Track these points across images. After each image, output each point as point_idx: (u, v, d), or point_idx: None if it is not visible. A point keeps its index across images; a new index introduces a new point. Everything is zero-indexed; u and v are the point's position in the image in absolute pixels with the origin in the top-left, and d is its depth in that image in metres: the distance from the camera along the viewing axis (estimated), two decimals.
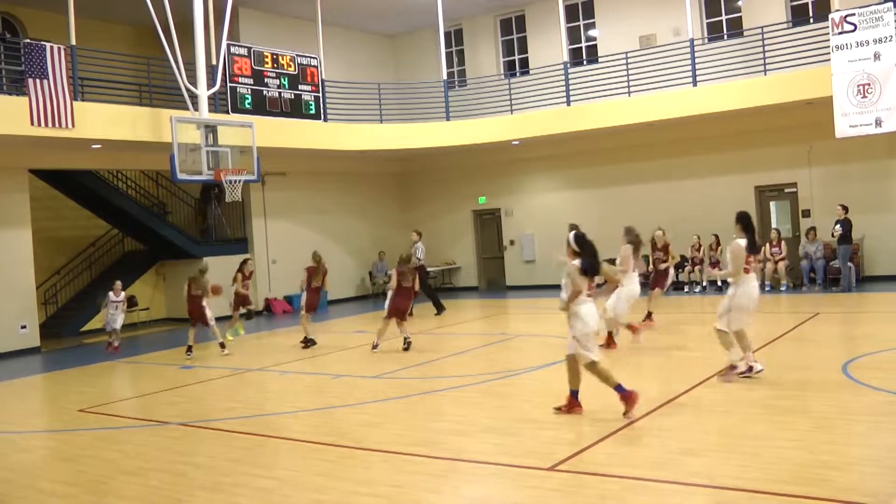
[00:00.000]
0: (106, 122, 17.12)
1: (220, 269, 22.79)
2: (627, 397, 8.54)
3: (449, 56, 26.30)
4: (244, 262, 18.44)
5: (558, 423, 8.67)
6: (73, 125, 16.31)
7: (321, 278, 16.30)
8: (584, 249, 8.78)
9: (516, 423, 8.95)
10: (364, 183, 27.09)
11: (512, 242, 26.45)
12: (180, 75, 17.80)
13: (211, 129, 17.87)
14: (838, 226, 19.38)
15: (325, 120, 21.93)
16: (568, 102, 22.34)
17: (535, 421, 8.90)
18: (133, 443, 9.20)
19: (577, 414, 8.82)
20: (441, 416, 9.55)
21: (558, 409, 8.93)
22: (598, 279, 9.33)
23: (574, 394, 8.92)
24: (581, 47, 25.21)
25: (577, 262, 8.72)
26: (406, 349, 14.30)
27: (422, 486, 6.92)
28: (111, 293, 17.37)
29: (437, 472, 7.30)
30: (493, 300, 23.93)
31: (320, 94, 21.57)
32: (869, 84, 17.78)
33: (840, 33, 18.01)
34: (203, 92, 18.11)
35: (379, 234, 27.10)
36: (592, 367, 8.74)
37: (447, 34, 25.32)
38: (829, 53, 18.35)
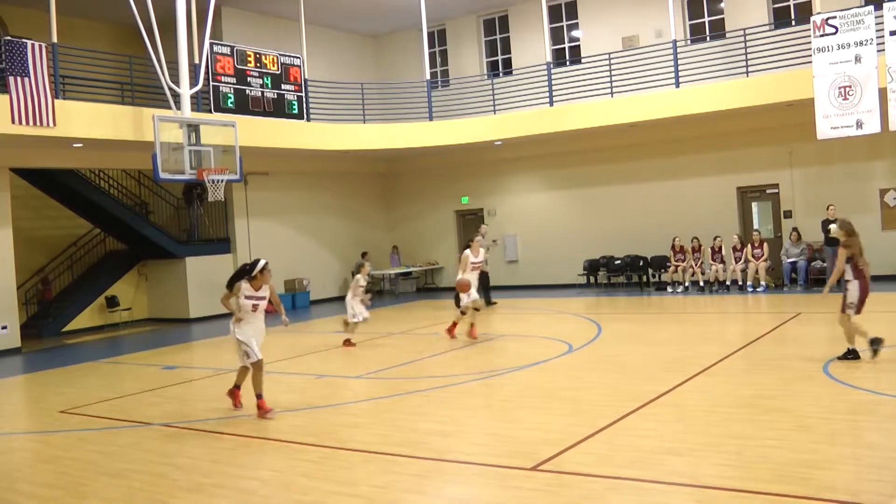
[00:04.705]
0: (88, 121, 17.01)
1: (200, 269, 22.87)
2: None
3: (432, 56, 26.30)
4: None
5: (541, 424, 8.68)
6: (55, 123, 16.21)
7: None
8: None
9: (499, 423, 8.96)
10: (347, 183, 27.05)
11: (495, 242, 26.45)
12: (163, 74, 17.74)
13: (193, 128, 17.80)
14: (836, 225, 19.41)
15: (308, 120, 21.88)
16: (551, 103, 22.37)
17: (518, 421, 8.91)
18: (114, 444, 9.14)
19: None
20: (424, 416, 9.54)
21: None
22: None
23: None
24: (564, 48, 25.26)
25: None
26: None
27: (404, 487, 6.91)
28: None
29: (419, 473, 7.29)
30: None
31: (303, 94, 21.52)
32: (850, 86, 17.88)
33: (821, 36, 18.11)
34: (186, 91, 18.04)
35: (362, 233, 27.11)
36: None
37: (430, 34, 25.31)
38: (810, 55, 18.45)
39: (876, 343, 10.63)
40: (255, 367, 9.92)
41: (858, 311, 10.75)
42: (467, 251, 15.39)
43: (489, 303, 20.58)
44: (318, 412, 9.82)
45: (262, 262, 10.04)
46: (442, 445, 8.10)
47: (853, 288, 10.83)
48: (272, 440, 8.84)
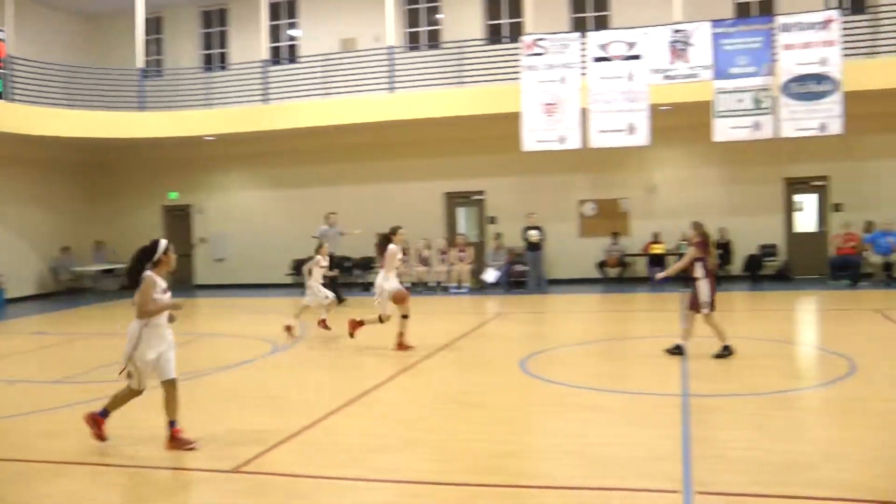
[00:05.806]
0: None
1: None
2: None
3: (148, 44, 25.19)
4: None
5: (243, 424, 8.59)
6: None
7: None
8: None
9: (200, 424, 8.71)
10: (50, 172, 25.13)
11: (202, 240, 25.80)
12: None
13: None
14: (536, 231, 20.66)
15: (11, 100, 20.28)
16: (265, 100, 22.16)
17: (219, 422, 8.69)
18: None
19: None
20: (125, 421, 9.09)
21: None
22: None
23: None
24: (282, 46, 25.09)
25: None
26: None
27: (101, 498, 6.59)
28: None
29: (120, 482, 7.01)
30: (179, 299, 23.18)
31: (5, 72, 19.89)
32: (555, 104, 18.98)
33: (531, 55, 19.15)
34: None
35: (64, 227, 25.33)
36: None
37: (148, 21, 24.17)
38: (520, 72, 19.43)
39: (680, 349, 11.11)
40: (169, 386, 7.81)
41: (713, 308, 11.04)
42: (393, 246, 12.71)
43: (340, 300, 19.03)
44: (10, 422, 9.07)
45: (164, 242, 7.76)
46: (142, 451, 7.75)
47: (704, 286, 11.05)
48: None
